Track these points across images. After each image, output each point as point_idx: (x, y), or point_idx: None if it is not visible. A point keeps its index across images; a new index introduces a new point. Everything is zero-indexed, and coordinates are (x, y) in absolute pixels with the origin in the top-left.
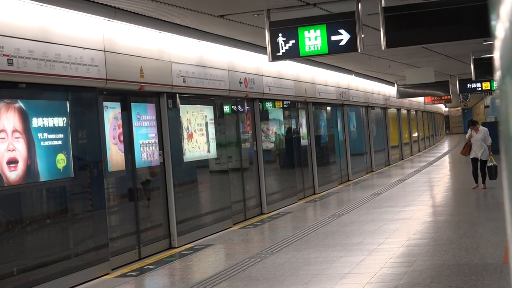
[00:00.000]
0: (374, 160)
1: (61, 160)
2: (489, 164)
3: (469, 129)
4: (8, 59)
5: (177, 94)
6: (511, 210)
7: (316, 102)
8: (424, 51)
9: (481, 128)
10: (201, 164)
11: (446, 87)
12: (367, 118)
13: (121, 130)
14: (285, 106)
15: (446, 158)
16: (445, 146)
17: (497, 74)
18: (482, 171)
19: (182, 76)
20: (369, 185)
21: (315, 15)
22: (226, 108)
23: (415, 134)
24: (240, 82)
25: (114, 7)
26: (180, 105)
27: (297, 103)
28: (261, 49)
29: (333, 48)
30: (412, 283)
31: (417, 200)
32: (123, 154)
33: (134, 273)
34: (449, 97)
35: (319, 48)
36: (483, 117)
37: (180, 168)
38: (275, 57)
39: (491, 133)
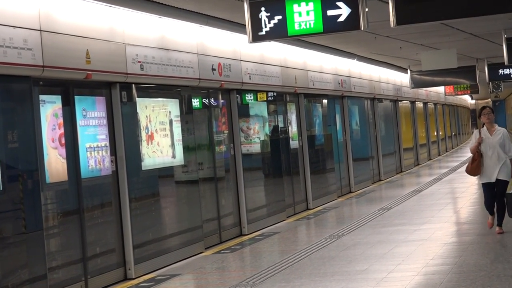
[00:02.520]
0: (383, 167)
1: None
2: (511, 190)
3: (476, 130)
4: None
5: (133, 85)
6: None
7: (309, 93)
8: (444, 29)
9: (499, 128)
10: (164, 173)
11: (472, 74)
12: (373, 113)
13: (62, 130)
14: (270, 98)
15: None
16: None
17: None
18: (500, 202)
19: (139, 62)
20: (376, 198)
21: None
22: (196, 102)
23: (434, 133)
24: (213, 69)
25: None
26: (137, 99)
27: (285, 95)
28: (239, 27)
29: (330, 25)
30: None
31: (436, 216)
32: (65, 161)
33: None
34: (476, 86)
35: (312, 26)
36: None
37: (137, 178)
38: (256, 38)
39: None
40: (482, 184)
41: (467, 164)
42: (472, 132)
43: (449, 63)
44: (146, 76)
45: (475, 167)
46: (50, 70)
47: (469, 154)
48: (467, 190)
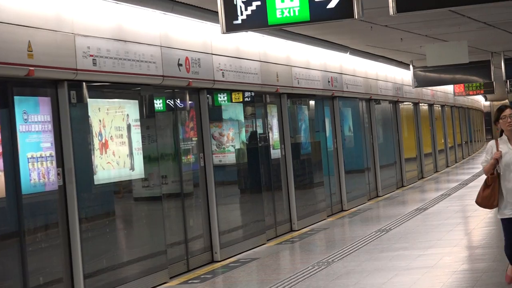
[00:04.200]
0: (381, 180)
1: None
2: None
3: (492, 141)
4: None
5: (83, 83)
6: None
7: (293, 93)
8: (453, 17)
9: None
10: (121, 188)
11: (486, 71)
12: (370, 117)
13: None
14: (247, 99)
15: None
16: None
17: None
18: None
19: (91, 56)
20: (373, 217)
21: None
22: (159, 104)
23: (441, 141)
24: (179, 65)
25: None
26: (89, 99)
27: (265, 96)
28: (210, 15)
29: (318, 13)
30: None
31: (444, 239)
32: (2, 174)
33: None
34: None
35: (296, 14)
36: None
37: (89, 193)
38: (231, 27)
39: None
40: (502, 220)
41: (478, 193)
42: (486, 141)
43: (459, 58)
44: (100, 72)
45: (489, 196)
46: None
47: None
48: (480, 208)
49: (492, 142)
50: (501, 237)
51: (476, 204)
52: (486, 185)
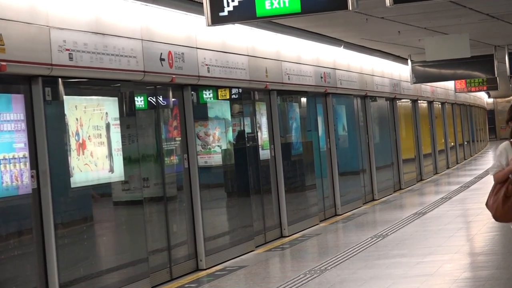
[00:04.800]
0: (377, 183)
1: None
2: None
3: (506, 143)
4: None
5: (59, 79)
6: None
7: (283, 90)
8: (454, 9)
9: None
10: (100, 191)
11: (490, 65)
12: (365, 115)
13: None
14: (234, 96)
15: (491, 178)
16: (489, 159)
17: None
18: None
19: (67, 50)
20: (369, 222)
21: None
22: (140, 101)
23: (442, 141)
24: (162, 59)
25: None
26: (65, 97)
27: (254, 92)
28: (195, 6)
29: (309, 4)
30: None
31: (444, 246)
32: None
33: None
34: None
35: (286, 5)
36: None
37: (65, 197)
38: (217, 19)
39: None
40: None
41: (492, 205)
42: (490, 140)
43: (460, 52)
44: (77, 68)
45: (508, 210)
46: None
47: (486, 167)
48: (483, 212)
49: (505, 145)
50: (505, 243)
51: (478, 209)
52: (505, 196)
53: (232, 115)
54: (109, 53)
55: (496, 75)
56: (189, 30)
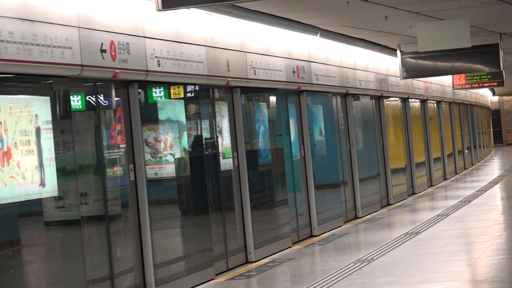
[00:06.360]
0: (360, 197)
1: None
2: None
3: None
4: None
5: None
6: None
7: (248, 87)
8: None
9: None
10: (29, 209)
11: (494, 57)
12: (346, 117)
13: None
14: (189, 95)
15: (496, 192)
16: (494, 168)
17: None
18: None
19: None
20: (351, 244)
21: None
22: (76, 101)
23: (438, 146)
24: (103, 51)
25: None
26: None
27: (213, 90)
28: None
29: None
30: None
31: (441, 272)
32: None
33: None
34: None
35: None
36: None
37: None
38: (168, 3)
39: None
40: None
41: None
42: (495, 146)
43: (459, 41)
44: (0, 61)
45: None
46: None
47: (490, 179)
48: (487, 232)
49: None
50: None
51: (481, 228)
52: None
53: (187, 117)
54: (39, 43)
55: (501, 69)
56: (136, 16)
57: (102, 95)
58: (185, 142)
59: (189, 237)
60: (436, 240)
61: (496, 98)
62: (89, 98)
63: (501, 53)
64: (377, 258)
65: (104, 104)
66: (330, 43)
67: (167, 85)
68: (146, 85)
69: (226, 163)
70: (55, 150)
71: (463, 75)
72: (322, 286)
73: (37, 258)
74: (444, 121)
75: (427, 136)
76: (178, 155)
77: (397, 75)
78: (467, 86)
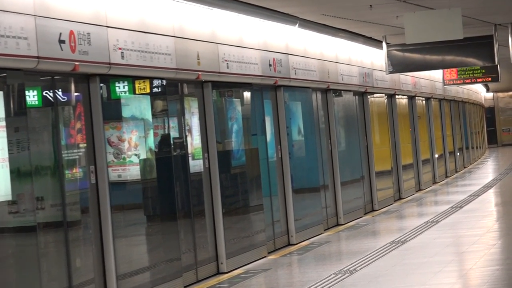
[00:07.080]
0: (342, 203)
1: None
2: None
3: None
4: None
5: None
6: None
7: (220, 81)
8: None
9: None
10: None
11: (488, 50)
12: (327, 114)
13: None
14: (156, 90)
15: (490, 196)
16: (488, 171)
17: None
18: None
19: None
20: (332, 254)
21: None
22: (32, 96)
23: (427, 147)
24: (61, 41)
25: None
26: None
27: (182, 85)
28: None
29: None
30: None
31: (430, 284)
32: None
33: None
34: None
35: None
36: None
37: None
38: None
39: None
40: None
41: None
42: (489, 148)
43: (450, 32)
44: None
45: None
46: None
47: (483, 183)
48: (481, 240)
49: None
50: (509, 281)
51: (474, 236)
52: None
53: (153, 115)
54: None
55: (496, 62)
56: (98, 3)
57: (60, 90)
58: (151, 141)
59: (156, 245)
60: (424, 249)
61: (490, 95)
62: (46, 93)
63: (495, 46)
64: (360, 269)
65: (62, 100)
66: (309, 34)
67: (131, 79)
68: (109, 79)
69: (196, 165)
70: (9, 150)
71: (454, 69)
72: None
73: None
74: (433, 119)
75: (415, 136)
76: (143, 156)
77: (383, 69)
78: (458, 82)
